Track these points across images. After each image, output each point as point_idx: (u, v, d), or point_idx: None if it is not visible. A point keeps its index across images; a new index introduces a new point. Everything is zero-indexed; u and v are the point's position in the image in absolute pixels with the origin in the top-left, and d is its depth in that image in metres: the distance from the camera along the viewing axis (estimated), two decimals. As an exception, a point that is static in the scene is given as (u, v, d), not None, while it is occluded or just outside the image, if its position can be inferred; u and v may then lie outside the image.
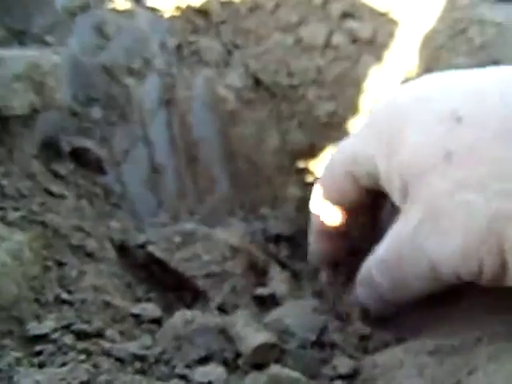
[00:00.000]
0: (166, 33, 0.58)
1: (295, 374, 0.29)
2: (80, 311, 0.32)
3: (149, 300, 0.39)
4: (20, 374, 0.25)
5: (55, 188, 0.41)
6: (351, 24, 0.62)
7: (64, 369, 0.26)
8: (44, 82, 0.40)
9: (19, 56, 0.40)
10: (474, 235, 0.27)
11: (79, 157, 0.47)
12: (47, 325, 0.29)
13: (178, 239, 0.42)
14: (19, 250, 0.32)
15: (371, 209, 0.41)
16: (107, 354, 0.29)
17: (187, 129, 0.56)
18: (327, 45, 0.61)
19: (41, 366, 0.27)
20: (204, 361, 0.31)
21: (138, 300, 0.38)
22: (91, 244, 0.39)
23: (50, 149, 0.45)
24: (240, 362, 0.31)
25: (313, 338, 0.35)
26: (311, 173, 0.61)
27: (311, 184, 0.60)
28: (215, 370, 0.30)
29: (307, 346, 0.34)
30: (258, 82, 0.60)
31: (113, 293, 0.36)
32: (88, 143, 0.48)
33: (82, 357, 0.28)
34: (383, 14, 0.62)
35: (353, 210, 0.40)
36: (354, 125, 0.60)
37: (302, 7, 0.62)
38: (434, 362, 0.29)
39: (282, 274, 0.46)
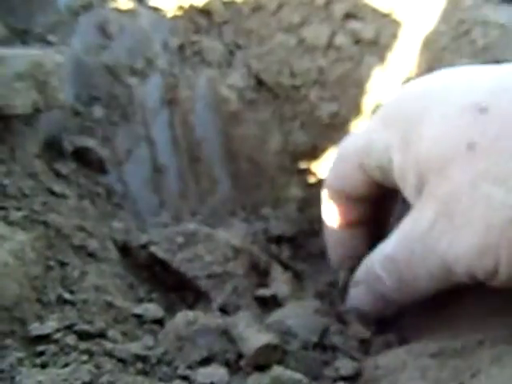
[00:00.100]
0: (169, 33, 0.58)
1: (297, 376, 0.29)
2: (82, 311, 0.32)
3: (151, 300, 0.39)
4: (22, 374, 0.25)
5: (57, 188, 0.41)
6: (354, 25, 0.61)
7: (66, 369, 0.26)
8: (47, 81, 0.40)
9: (22, 55, 0.40)
10: (493, 229, 0.26)
11: (81, 156, 0.47)
12: (49, 325, 0.29)
13: (180, 239, 0.42)
14: (21, 249, 0.32)
15: (383, 206, 0.40)
16: (109, 354, 0.29)
17: (189, 129, 0.56)
18: (330, 45, 0.61)
19: (43, 366, 0.27)
20: (206, 362, 0.31)
21: (140, 300, 0.38)
22: (93, 244, 0.39)
23: (52, 148, 0.45)
24: (242, 363, 0.31)
25: (315, 339, 0.35)
26: (313, 173, 0.61)
27: (313, 185, 0.60)
28: (217, 371, 0.30)
29: (309, 347, 0.34)
30: (260, 83, 0.60)
31: (115, 293, 0.36)
32: (90, 143, 0.48)
33: (84, 357, 0.28)
34: (386, 15, 0.62)
35: (365, 206, 0.39)
36: (356, 126, 0.59)
37: (305, 8, 0.62)
38: (436, 364, 0.29)
39: (283, 274, 0.46)
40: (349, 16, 0.62)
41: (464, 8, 0.59)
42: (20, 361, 0.27)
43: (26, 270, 0.31)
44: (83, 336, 0.30)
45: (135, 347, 0.30)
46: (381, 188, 0.36)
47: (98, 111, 0.50)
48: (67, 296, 0.33)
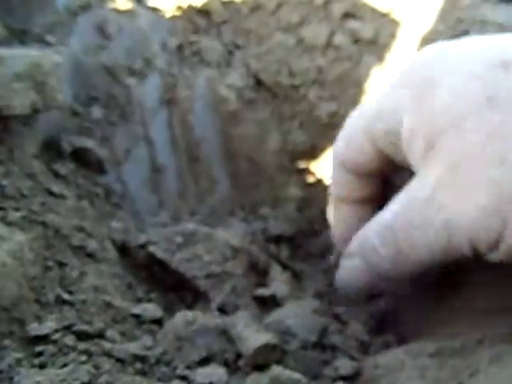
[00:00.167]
0: (167, 33, 0.58)
1: (296, 375, 0.29)
2: (81, 312, 0.32)
3: (149, 300, 0.39)
4: (21, 374, 0.25)
5: (56, 188, 0.41)
6: (353, 24, 0.61)
7: (65, 370, 0.26)
8: (45, 81, 0.40)
9: (20, 55, 0.39)
10: (503, 189, 0.25)
11: (80, 157, 0.47)
12: (48, 325, 0.29)
13: (178, 239, 0.42)
14: (20, 250, 0.32)
15: (392, 185, 0.37)
16: (108, 354, 0.29)
17: (188, 129, 0.56)
18: (328, 45, 0.61)
19: (41, 366, 0.27)
20: (205, 362, 0.31)
21: (139, 300, 0.38)
22: (92, 244, 0.39)
23: (50, 149, 0.45)
24: (241, 362, 0.31)
25: (314, 339, 0.35)
26: (312, 173, 0.61)
27: (312, 184, 0.60)
28: (216, 371, 0.30)
29: (308, 347, 0.34)
30: (259, 82, 0.60)
31: (113, 293, 0.36)
32: (89, 143, 0.48)
33: (83, 358, 0.28)
34: (385, 15, 0.62)
35: (373, 183, 0.37)
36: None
37: (304, 7, 0.62)
38: (435, 364, 0.29)
39: (282, 274, 0.46)
40: (348, 15, 0.62)
41: (462, 7, 0.59)
42: (18, 361, 0.27)
43: (24, 271, 0.31)
44: (82, 336, 0.30)
45: (134, 347, 0.30)
46: (390, 164, 0.35)
47: (96, 111, 0.50)
48: (66, 296, 0.33)
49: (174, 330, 0.32)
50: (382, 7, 0.62)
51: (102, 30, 0.53)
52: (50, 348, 0.28)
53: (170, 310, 0.37)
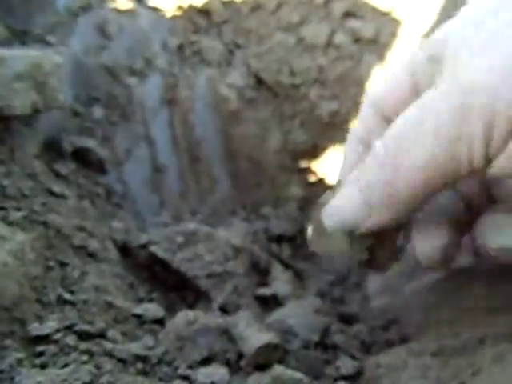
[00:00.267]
0: (168, 33, 0.58)
1: (298, 375, 0.29)
2: (82, 312, 0.32)
3: (151, 300, 0.39)
4: (22, 374, 0.25)
5: (57, 188, 0.41)
6: (353, 23, 0.61)
7: (66, 370, 0.26)
8: (46, 81, 0.40)
9: (21, 56, 0.39)
10: None
11: (81, 157, 0.47)
12: (49, 325, 0.29)
13: (180, 239, 0.42)
14: (21, 250, 0.32)
15: None
16: (109, 354, 0.29)
17: (189, 128, 0.56)
18: (329, 44, 0.61)
19: (43, 366, 0.27)
20: (206, 361, 0.31)
21: (141, 300, 0.38)
22: (93, 244, 0.39)
23: (51, 149, 0.45)
24: (242, 362, 0.31)
25: (316, 338, 0.34)
26: (313, 172, 0.61)
27: (314, 184, 0.60)
28: (218, 371, 0.30)
29: (310, 346, 0.34)
30: (259, 82, 0.60)
31: (115, 293, 0.36)
32: (90, 143, 0.48)
33: (85, 357, 0.28)
34: (386, 14, 0.62)
35: None
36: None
37: (304, 7, 0.62)
38: (437, 363, 0.29)
39: (284, 273, 0.46)
40: (348, 15, 0.62)
41: (462, 6, 0.59)
42: (19, 361, 0.26)
43: (25, 270, 0.31)
44: (83, 336, 0.30)
45: (135, 347, 0.30)
46: None
47: (97, 111, 0.50)
48: (67, 296, 0.33)
49: (175, 330, 0.32)
50: (382, 6, 0.62)
51: (102, 30, 0.53)
52: (51, 348, 0.28)
53: (171, 310, 0.37)
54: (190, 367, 0.30)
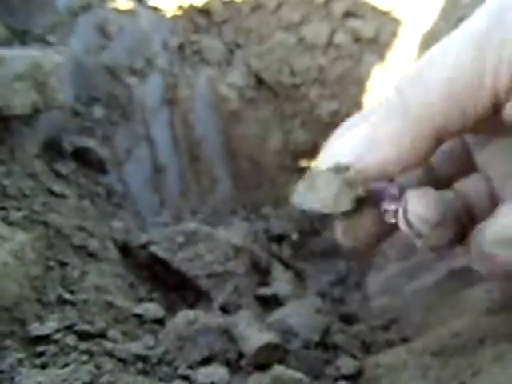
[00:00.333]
0: (168, 32, 0.58)
1: (298, 375, 0.29)
2: (82, 311, 0.32)
3: (151, 300, 0.39)
4: (22, 375, 0.25)
5: (57, 188, 0.41)
6: (354, 23, 0.61)
7: (66, 370, 0.26)
8: (46, 81, 0.40)
9: (21, 56, 0.39)
10: None
11: (81, 156, 0.47)
12: (49, 325, 0.29)
13: (180, 239, 0.42)
14: (21, 250, 0.32)
15: None
16: (109, 354, 0.29)
17: (189, 128, 0.56)
18: (330, 44, 0.61)
19: (43, 366, 0.27)
20: (207, 361, 0.31)
21: (141, 300, 0.38)
22: (93, 244, 0.39)
23: (52, 148, 0.45)
24: (243, 362, 0.31)
25: (316, 338, 0.34)
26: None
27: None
28: (218, 371, 0.30)
29: (311, 346, 0.34)
30: (260, 81, 0.60)
31: (115, 293, 0.36)
32: (90, 143, 0.48)
33: (85, 357, 0.28)
34: (386, 13, 0.62)
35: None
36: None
37: (304, 6, 0.62)
38: (437, 363, 0.29)
39: (284, 273, 0.46)
40: (348, 14, 0.62)
41: (463, 6, 0.59)
42: (20, 361, 0.26)
43: (25, 270, 0.31)
44: (83, 336, 0.30)
45: (135, 347, 0.30)
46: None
47: (97, 111, 0.50)
48: (67, 296, 0.33)
49: (175, 330, 0.32)
50: (382, 6, 0.62)
51: (102, 30, 0.53)
52: (52, 348, 0.28)
53: (171, 310, 0.37)
54: (190, 367, 0.30)
